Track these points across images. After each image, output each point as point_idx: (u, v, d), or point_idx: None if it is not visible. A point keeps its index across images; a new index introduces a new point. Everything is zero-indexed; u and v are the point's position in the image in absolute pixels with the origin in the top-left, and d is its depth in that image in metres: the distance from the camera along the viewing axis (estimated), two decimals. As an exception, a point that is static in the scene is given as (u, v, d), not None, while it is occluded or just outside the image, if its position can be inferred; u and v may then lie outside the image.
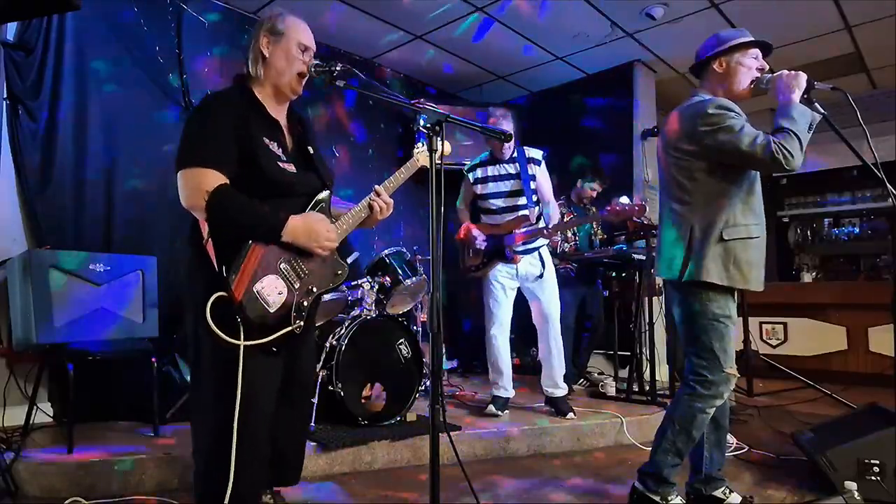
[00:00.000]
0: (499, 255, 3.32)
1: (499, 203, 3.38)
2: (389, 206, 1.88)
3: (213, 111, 1.65)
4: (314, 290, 1.72)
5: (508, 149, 3.36)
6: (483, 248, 3.33)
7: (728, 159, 1.98)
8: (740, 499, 2.14)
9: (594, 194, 4.50)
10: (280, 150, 1.70)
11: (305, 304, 1.69)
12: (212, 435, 1.61)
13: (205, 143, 1.59)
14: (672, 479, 2.07)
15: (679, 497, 2.08)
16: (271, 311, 1.59)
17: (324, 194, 1.79)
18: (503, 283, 3.33)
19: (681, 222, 2.06)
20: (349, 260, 1.85)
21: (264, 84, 1.74)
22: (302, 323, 1.66)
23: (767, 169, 1.94)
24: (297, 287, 1.66)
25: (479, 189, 3.42)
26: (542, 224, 3.30)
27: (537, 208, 3.31)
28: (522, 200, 3.34)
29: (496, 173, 3.39)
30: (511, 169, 3.36)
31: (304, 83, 1.77)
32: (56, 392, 3.03)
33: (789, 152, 1.85)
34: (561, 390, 3.31)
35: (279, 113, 1.78)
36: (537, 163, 3.38)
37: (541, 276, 3.33)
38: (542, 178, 3.39)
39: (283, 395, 1.76)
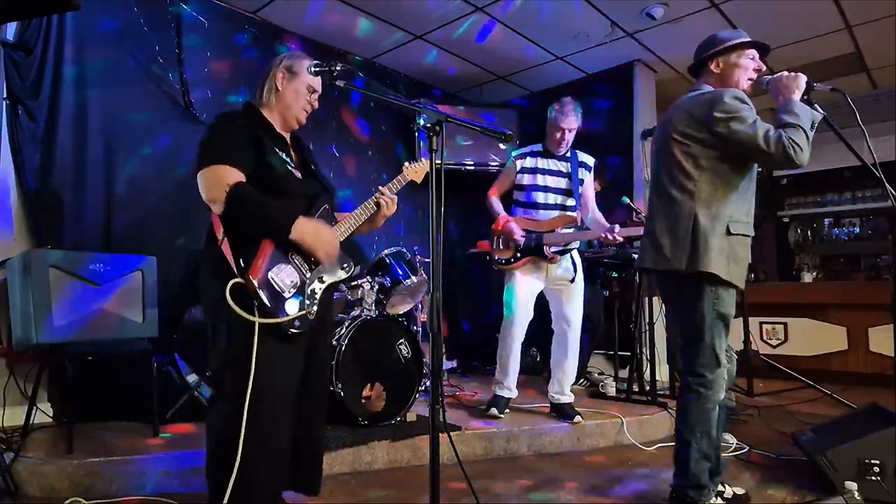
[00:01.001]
0: (535, 253, 3.18)
1: (546, 199, 3.25)
2: (394, 201, 2.04)
3: (227, 121, 1.83)
4: (325, 279, 1.86)
5: (565, 145, 3.25)
6: (522, 243, 3.17)
7: (738, 150, 1.97)
8: (732, 493, 2.16)
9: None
10: (288, 158, 1.86)
11: (317, 290, 1.82)
12: (223, 422, 1.65)
13: (222, 144, 1.75)
14: (706, 482, 2.06)
15: (714, 494, 2.10)
16: (285, 295, 1.71)
17: (327, 197, 1.93)
18: (530, 283, 3.22)
19: (681, 211, 2.04)
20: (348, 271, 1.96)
21: (273, 110, 1.91)
22: (315, 309, 1.79)
23: (776, 163, 1.94)
24: (308, 276, 1.80)
25: (525, 180, 3.27)
26: (582, 228, 3.23)
27: (580, 212, 3.27)
28: (571, 202, 3.27)
29: (548, 167, 3.27)
30: (563, 167, 3.27)
31: (306, 116, 1.95)
32: (56, 392, 3.02)
33: (799, 146, 1.87)
34: (567, 397, 3.24)
35: (284, 132, 1.95)
36: (588, 168, 3.34)
37: (572, 280, 3.24)
38: (590, 184, 3.34)
39: (301, 394, 1.83)
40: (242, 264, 1.65)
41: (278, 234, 1.71)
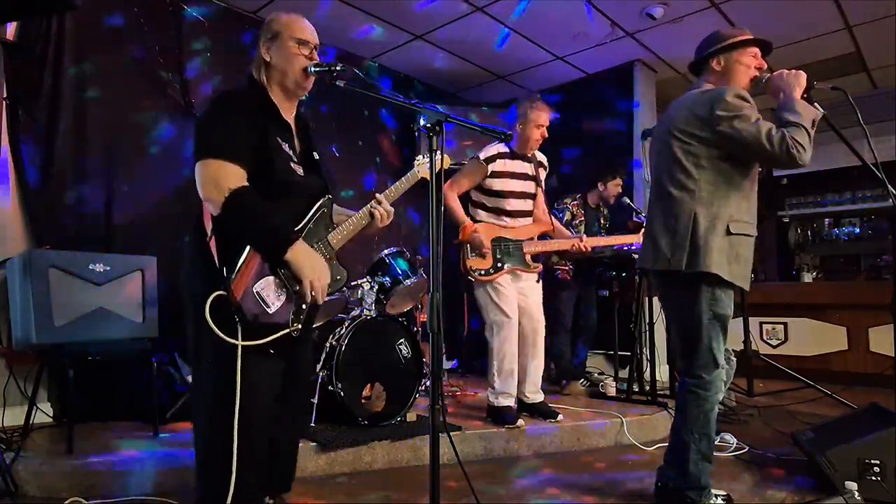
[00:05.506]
0: (517, 263, 3.10)
1: (517, 205, 3.12)
2: (390, 214, 1.90)
3: (231, 106, 1.66)
4: None
5: (537, 145, 3.10)
6: (490, 254, 3.04)
7: (739, 149, 1.96)
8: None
9: (619, 190, 4.40)
10: (291, 151, 1.73)
11: (304, 306, 1.68)
12: (212, 436, 1.61)
13: (225, 136, 1.59)
14: (706, 482, 2.06)
15: (715, 495, 2.09)
16: (270, 312, 1.59)
17: (326, 199, 1.83)
18: (511, 287, 3.09)
19: (681, 211, 2.02)
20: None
21: (272, 87, 1.75)
22: (300, 326, 1.67)
23: (778, 163, 1.93)
24: (296, 290, 1.66)
25: (495, 184, 3.06)
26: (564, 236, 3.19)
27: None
28: (532, 204, 3.19)
29: (517, 171, 3.10)
30: (528, 169, 3.14)
31: (312, 79, 1.76)
32: (56, 392, 3.03)
33: (802, 146, 1.86)
34: (541, 395, 3.23)
35: (289, 115, 1.80)
36: (545, 168, 3.27)
37: (538, 280, 3.22)
38: (541, 185, 3.24)
39: (283, 397, 1.77)
40: (226, 272, 1.53)
41: (273, 252, 1.59)
